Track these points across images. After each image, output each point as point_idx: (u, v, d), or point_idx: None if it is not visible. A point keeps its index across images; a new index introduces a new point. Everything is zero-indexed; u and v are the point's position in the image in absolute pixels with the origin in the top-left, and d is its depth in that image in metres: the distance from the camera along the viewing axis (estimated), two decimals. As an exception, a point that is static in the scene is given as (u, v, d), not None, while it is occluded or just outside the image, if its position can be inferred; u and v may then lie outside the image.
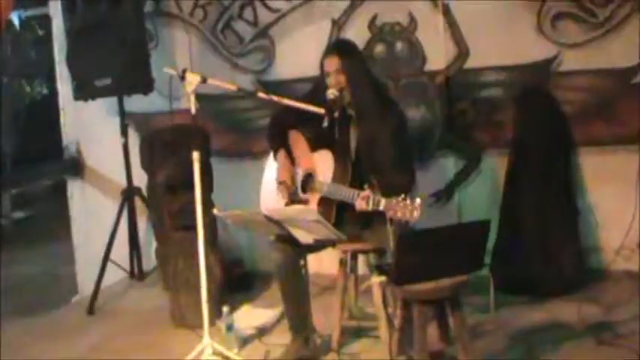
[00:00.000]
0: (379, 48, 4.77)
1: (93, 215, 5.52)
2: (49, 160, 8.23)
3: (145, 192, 4.78)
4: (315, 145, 3.66)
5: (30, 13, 8.42)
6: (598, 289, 4.22)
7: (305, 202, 3.59)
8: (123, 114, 4.93)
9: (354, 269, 3.77)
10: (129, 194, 4.94)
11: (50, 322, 4.76)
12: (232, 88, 3.77)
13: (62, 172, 5.91)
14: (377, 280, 3.44)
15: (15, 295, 5.46)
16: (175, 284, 4.36)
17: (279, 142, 3.76)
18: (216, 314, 3.92)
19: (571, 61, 4.40)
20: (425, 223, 3.11)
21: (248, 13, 5.10)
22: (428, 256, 3.03)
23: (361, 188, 3.26)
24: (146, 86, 4.90)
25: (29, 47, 9.44)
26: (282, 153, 3.73)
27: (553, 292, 4.16)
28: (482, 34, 4.53)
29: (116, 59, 4.72)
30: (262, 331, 4.12)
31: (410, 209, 3.05)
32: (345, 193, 3.38)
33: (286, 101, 3.60)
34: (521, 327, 3.83)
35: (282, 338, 3.82)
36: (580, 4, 4.35)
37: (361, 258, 3.75)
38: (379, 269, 3.42)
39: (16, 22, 8.81)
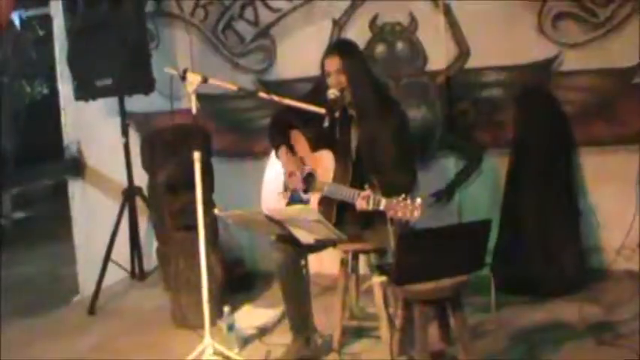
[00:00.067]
0: (380, 48, 4.77)
1: (94, 215, 5.53)
2: (50, 160, 8.23)
3: (145, 192, 4.78)
4: (315, 145, 3.66)
5: (31, 13, 8.43)
6: (599, 289, 4.22)
7: (306, 201, 3.59)
8: (124, 114, 4.93)
9: (354, 269, 3.77)
10: (130, 194, 4.94)
11: (51, 322, 4.76)
12: (233, 88, 3.78)
13: (63, 172, 5.91)
14: (378, 280, 3.44)
15: (15, 295, 5.46)
16: (176, 284, 4.36)
17: (280, 140, 3.76)
18: (217, 314, 3.92)
19: (572, 61, 4.40)
20: (426, 223, 3.11)
21: (249, 13, 5.10)
22: (429, 256, 3.03)
23: (362, 188, 3.26)
24: (147, 86, 4.90)
25: (30, 47, 9.44)
26: (283, 149, 3.73)
27: (554, 292, 4.16)
28: (483, 34, 4.54)
29: (117, 59, 4.72)
30: (263, 331, 4.12)
31: (410, 209, 3.05)
32: (345, 193, 3.38)
33: (287, 101, 3.60)
34: (522, 327, 3.83)
35: (283, 338, 3.82)
36: (581, 4, 4.35)
37: (362, 258, 3.75)
38: (380, 269, 3.42)
39: (16, 22, 8.81)
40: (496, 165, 4.60)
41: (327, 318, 3.80)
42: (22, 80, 9.77)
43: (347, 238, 3.44)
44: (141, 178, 4.78)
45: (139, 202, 4.98)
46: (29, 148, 9.01)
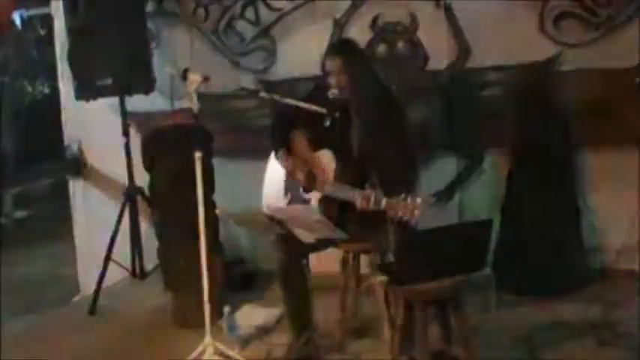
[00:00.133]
0: (381, 48, 4.77)
1: (94, 215, 5.53)
2: (51, 160, 8.24)
3: (146, 191, 4.78)
4: (316, 145, 3.66)
5: (32, 12, 8.41)
6: (599, 289, 4.22)
7: (306, 201, 3.59)
8: (124, 113, 4.92)
9: (355, 269, 3.77)
10: (131, 194, 4.94)
11: (51, 322, 4.77)
12: (234, 87, 3.77)
13: (64, 171, 5.91)
14: (379, 279, 3.44)
15: (16, 294, 5.46)
16: (177, 284, 4.36)
17: (280, 141, 3.76)
18: (217, 314, 3.92)
19: (573, 61, 4.40)
20: (426, 222, 3.11)
21: (250, 13, 5.09)
22: (430, 255, 3.03)
23: (362, 188, 3.26)
24: (148, 86, 4.90)
25: (31, 47, 9.44)
26: (282, 152, 3.73)
27: (554, 291, 4.16)
28: (484, 34, 4.53)
29: (118, 59, 4.72)
30: (264, 331, 4.12)
31: (411, 208, 3.05)
32: (346, 192, 3.37)
33: (288, 101, 3.60)
34: (522, 327, 3.83)
35: (283, 338, 3.82)
36: (582, 3, 4.35)
37: (363, 257, 3.75)
38: (381, 269, 3.42)
39: (17, 21, 8.80)
40: (497, 164, 4.59)
41: (328, 318, 3.80)
42: (23, 80, 9.76)
43: (348, 237, 3.44)
44: (142, 178, 4.78)
45: (140, 202, 4.98)
46: (30, 147, 9.01)
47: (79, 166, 5.62)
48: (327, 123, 3.48)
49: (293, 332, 3.68)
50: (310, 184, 3.59)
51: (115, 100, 4.97)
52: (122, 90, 4.86)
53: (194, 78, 3.50)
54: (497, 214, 4.37)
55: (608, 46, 4.32)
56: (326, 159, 3.57)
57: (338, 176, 3.50)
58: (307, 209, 3.43)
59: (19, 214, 8.69)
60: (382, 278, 3.40)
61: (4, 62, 8.93)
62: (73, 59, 4.88)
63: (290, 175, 3.64)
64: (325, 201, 3.51)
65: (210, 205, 3.90)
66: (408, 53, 4.75)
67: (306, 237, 3.44)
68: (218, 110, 5.15)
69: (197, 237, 3.63)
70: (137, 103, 5.09)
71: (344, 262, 3.67)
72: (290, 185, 3.68)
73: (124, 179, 4.96)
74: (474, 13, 4.53)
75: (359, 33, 4.68)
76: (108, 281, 4.88)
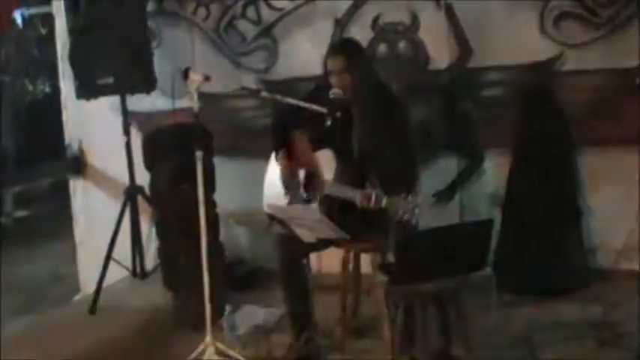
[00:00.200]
0: (382, 47, 4.77)
1: (95, 214, 5.53)
2: (51, 159, 8.24)
3: (147, 191, 4.78)
4: (317, 144, 3.66)
5: (33, 11, 8.41)
6: (600, 289, 4.22)
7: (307, 201, 3.59)
8: (125, 113, 4.92)
9: (356, 268, 3.77)
10: (131, 193, 4.94)
11: (52, 321, 4.76)
12: (235, 87, 3.77)
13: (64, 170, 5.91)
14: (379, 279, 3.44)
15: (16, 294, 5.46)
16: (177, 283, 4.36)
17: (281, 141, 3.76)
18: (218, 313, 3.91)
19: (573, 61, 4.40)
20: (427, 222, 3.11)
21: (251, 12, 5.09)
22: (430, 255, 3.03)
23: (363, 187, 3.26)
24: (149, 85, 4.90)
25: (32, 46, 9.44)
26: (282, 153, 3.73)
27: (555, 291, 4.16)
28: (485, 34, 4.53)
29: (119, 58, 4.72)
30: (264, 331, 4.11)
31: (411, 208, 3.05)
32: (347, 192, 3.37)
33: (289, 100, 3.60)
34: (522, 326, 3.83)
35: (283, 338, 3.82)
36: (583, 3, 4.34)
37: (364, 257, 3.75)
38: (381, 268, 3.42)
39: (19, 20, 8.80)
40: (498, 165, 4.59)
41: (329, 317, 3.80)
42: (24, 78, 9.76)
43: (349, 237, 3.43)
44: (142, 177, 4.78)
45: (141, 201, 4.98)
46: (31, 146, 9.01)
47: (79, 166, 5.62)
48: (328, 123, 3.48)
49: (293, 332, 3.68)
50: (311, 184, 3.60)
51: (115, 100, 4.97)
52: (123, 89, 4.86)
53: (195, 77, 3.50)
54: (498, 215, 4.37)
55: (608, 47, 4.31)
56: (327, 158, 3.56)
57: (338, 176, 3.50)
58: (308, 209, 3.43)
59: (20, 213, 8.69)
60: (383, 278, 3.40)
61: (5, 61, 8.92)
62: (74, 58, 4.88)
63: (286, 177, 3.64)
64: (326, 201, 3.52)
65: (210, 204, 3.90)
66: (408, 53, 4.75)
67: (307, 236, 3.43)
68: (219, 110, 5.15)
69: (198, 236, 3.63)
70: (138, 102, 5.09)
71: (344, 262, 3.67)
72: (290, 185, 3.68)
73: (125, 178, 4.96)
74: (475, 13, 4.53)
75: (360, 33, 4.68)
76: (108, 281, 4.88)
